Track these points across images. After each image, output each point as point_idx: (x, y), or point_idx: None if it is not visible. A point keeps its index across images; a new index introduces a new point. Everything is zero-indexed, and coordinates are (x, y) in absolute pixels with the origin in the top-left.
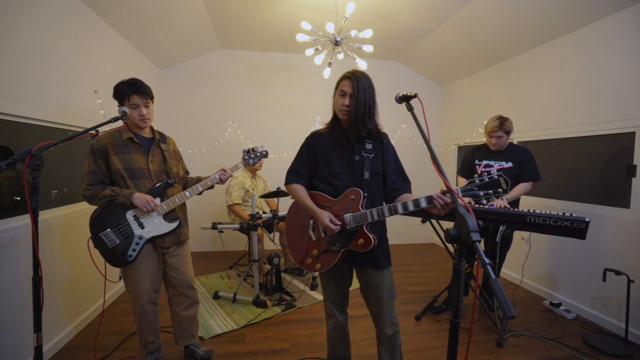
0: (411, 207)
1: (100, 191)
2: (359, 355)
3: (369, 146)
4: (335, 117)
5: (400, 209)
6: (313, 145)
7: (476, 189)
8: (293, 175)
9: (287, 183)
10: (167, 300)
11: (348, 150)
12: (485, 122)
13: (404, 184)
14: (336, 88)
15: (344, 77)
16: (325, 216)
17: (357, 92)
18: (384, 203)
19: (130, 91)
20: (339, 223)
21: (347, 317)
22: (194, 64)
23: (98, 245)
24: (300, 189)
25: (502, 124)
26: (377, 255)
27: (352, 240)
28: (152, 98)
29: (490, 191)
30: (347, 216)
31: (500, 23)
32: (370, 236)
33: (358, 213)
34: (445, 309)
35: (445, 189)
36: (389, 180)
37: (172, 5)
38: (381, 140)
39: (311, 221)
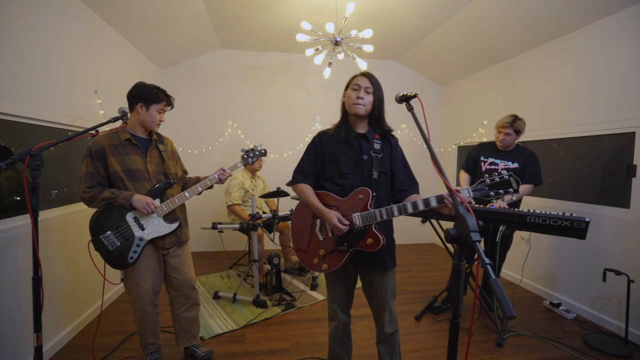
0: (421, 207)
1: (99, 194)
2: (359, 355)
3: (377, 146)
4: (344, 116)
5: (410, 209)
6: (320, 145)
7: (487, 188)
8: (300, 175)
9: (293, 183)
10: (169, 301)
11: (356, 149)
12: (486, 122)
13: (412, 185)
14: (346, 87)
15: (358, 75)
16: (334, 216)
17: (376, 88)
18: (390, 204)
19: (166, 98)
20: (347, 223)
21: (350, 319)
22: (194, 64)
23: (99, 247)
24: (307, 189)
25: (514, 122)
26: (383, 256)
27: (360, 240)
28: None
29: (501, 191)
30: (356, 216)
31: (500, 23)
32: (380, 236)
33: (367, 212)
34: (445, 308)
35: (455, 188)
36: (397, 181)
37: (172, 5)
38: (389, 141)
39: (318, 221)
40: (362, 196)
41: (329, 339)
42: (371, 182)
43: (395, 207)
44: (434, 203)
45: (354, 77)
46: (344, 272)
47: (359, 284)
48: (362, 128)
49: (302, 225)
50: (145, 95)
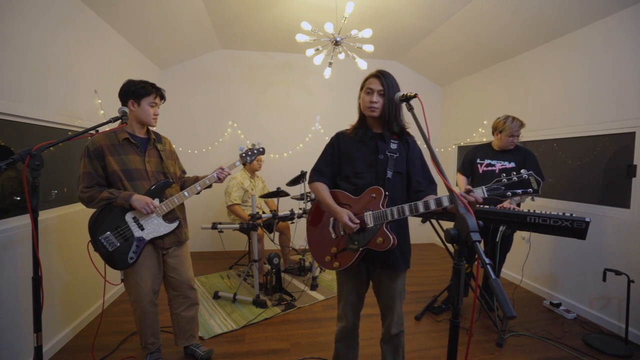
0: (433, 206)
1: (98, 194)
2: (360, 354)
3: (393, 146)
4: (361, 117)
5: (421, 208)
6: (337, 145)
7: (503, 188)
8: (316, 173)
9: (310, 181)
10: (168, 301)
11: (372, 149)
12: (485, 122)
13: (430, 186)
14: (362, 88)
15: (371, 76)
16: (344, 214)
17: (387, 89)
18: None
19: (156, 91)
20: (358, 222)
21: (358, 322)
22: (194, 64)
23: (98, 248)
24: (322, 187)
25: (522, 123)
26: (395, 257)
27: (371, 239)
28: None
29: (519, 191)
30: (367, 214)
31: (500, 23)
32: (390, 235)
33: (378, 211)
34: (445, 309)
35: (470, 187)
36: (413, 181)
37: (172, 6)
38: (407, 141)
39: (331, 219)
40: (374, 195)
41: (335, 339)
42: (385, 182)
43: (406, 206)
44: (446, 202)
45: (368, 78)
46: (355, 272)
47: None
48: (378, 128)
49: (317, 223)
50: (134, 91)
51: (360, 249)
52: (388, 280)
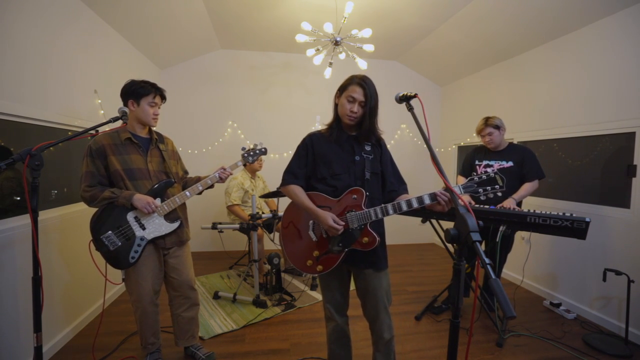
0: (415, 204)
1: (100, 193)
2: (358, 355)
3: (367, 148)
4: (336, 118)
5: (404, 206)
6: (311, 147)
7: (475, 185)
8: (290, 176)
9: (283, 185)
10: (168, 301)
11: (348, 151)
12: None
13: (401, 186)
14: (341, 90)
15: (354, 83)
16: (329, 217)
17: (369, 100)
18: (382, 203)
19: (155, 90)
20: (343, 223)
21: (347, 319)
22: (194, 64)
23: (99, 247)
24: (298, 190)
25: (487, 121)
26: (377, 255)
27: (355, 239)
28: None
29: (489, 188)
30: (350, 215)
31: (501, 23)
32: (374, 234)
33: (361, 212)
34: (445, 309)
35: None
36: (387, 182)
37: (172, 5)
38: (379, 144)
39: (310, 222)
40: (355, 196)
41: (328, 340)
42: (364, 183)
43: (390, 206)
44: (427, 201)
45: (350, 83)
46: (337, 272)
47: (352, 285)
48: (353, 131)
49: (293, 228)
50: (134, 91)
51: (345, 250)
52: (374, 280)
